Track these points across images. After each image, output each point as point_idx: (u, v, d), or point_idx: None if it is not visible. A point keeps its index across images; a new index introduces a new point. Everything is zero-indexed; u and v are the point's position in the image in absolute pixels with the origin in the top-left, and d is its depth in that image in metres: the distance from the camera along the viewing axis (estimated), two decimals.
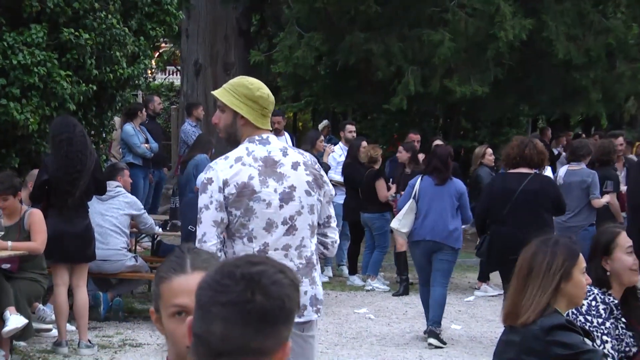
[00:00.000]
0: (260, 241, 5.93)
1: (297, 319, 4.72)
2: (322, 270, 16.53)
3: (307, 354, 6.05)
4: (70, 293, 11.08)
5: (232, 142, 6.08)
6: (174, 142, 21.32)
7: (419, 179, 12.35)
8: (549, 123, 29.32)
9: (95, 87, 13.98)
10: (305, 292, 5.94)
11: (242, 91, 5.96)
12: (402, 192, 13.43)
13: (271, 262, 2.67)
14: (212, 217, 5.90)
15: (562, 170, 14.48)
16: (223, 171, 5.91)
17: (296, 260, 5.96)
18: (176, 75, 31.92)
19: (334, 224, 6.32)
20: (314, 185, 6.07)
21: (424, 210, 12.04)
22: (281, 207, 5.94)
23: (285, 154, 6.03)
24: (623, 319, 5.76)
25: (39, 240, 10.48)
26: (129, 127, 17.32)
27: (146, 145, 17.49)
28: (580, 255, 5.19)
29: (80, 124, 11.78)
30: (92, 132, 14.71)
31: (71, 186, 10.72)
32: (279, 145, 6.08)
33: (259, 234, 5.93)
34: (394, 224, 12.40)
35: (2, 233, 10.50)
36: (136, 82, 15.89)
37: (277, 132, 15.61)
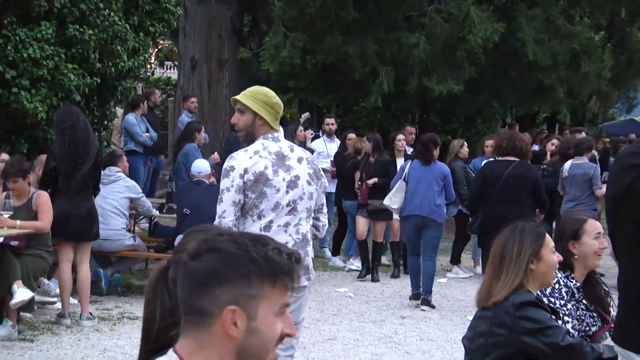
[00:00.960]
0: (267, 219, 6.66)
1: (301, 284, 6.43)
2: (319, 253, 16.68)
3: (299, 311, 6.71)
4: (74, 269, 11.08)
5: (249, 139, 6.83)
6: (170, 132, 21.34)
7: (409, 162, 13.29)
8: (516, 119, 29.33)
9: (98, 80, 14.02)
10: (305, 256, 6.73)
11: (261, 98, 6.73)
12: (367, 182, 14.13)
13: (234, 237, 2.73)
14: (232, 198, 6.62)
15: (567, 164, 15.16)
16: (244, 161, 6.65)
17: (294, 235, 6.70)
18: (173, 70, 31.90)
19: (325, 210, 7.08)
20: (314, 176, 6.85)
21: (412, 189, 12.91)
22: (287, 192, 6.68)
23: (292, 150, 6.84)
24: (584, 301, 5.78)
25: (45, 220, 10.51)
26: (131, 117, 17.36)
27: (147, 134, 17.51)
28: (547, 236, 5.22)
29: (84, 113, 11.80)
30: (95, 121, 14.73)
31: (75, 171, 10.72)
32: (287, 143, 6.91)
33: (267, 213, 6.66)
34: (386, 201, 13.27)
35: (12, 213, 10.49)
36: (136, 74, 15.92)
37: None
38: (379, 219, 14.44)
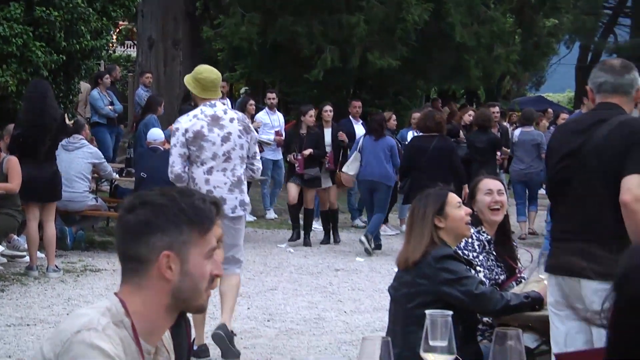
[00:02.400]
0: (209, 165, 7.76)
1: (230, 214, 7.69)
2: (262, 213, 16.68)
3: (237, 236, 7.90)
4: (41, 227, 10.99)
5: (195, 106, 8.10)
6: (130, 104, 21.12)
7: (362, 137, 14.38)
8: (438, 95, 29.45)
9: (64, 57, 13.85)
10: (236, 198, 7.82)
11: (193, 75, 7.88)
12: (303, 152, 13.94)
13: (179, 190, 2.78)
14: (178, 152, 7.76)
15: (517, 132, 16.42)
16: (185, 123, 7.80)
17: (230, 177, 7.80)
18: (132, 48, 31.57)
19: (258, 157, 8.12)
20: (244, 132, 7.89)
21: (366, 159, 13.93)
22: (222, 145, 7.78)
23: (225, 112, 7.88)
24: (494, 253, 5.82)
25: (15, 182, 10.46)
26: (94, 93, 17.31)
27: (110, 107, 17.42)
28: (450, 194, 5.24)
29: (51, 87, 11.69)
30: (61, 95, 14.56)
31: (41, 138, 10.66)
32: (222, 107, 7.91)
33: (208, 161, 7.76)
34: (344, 168, 14.30)
35: None
36: (99, 53, 15.83)
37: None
38: (309, 186, 14.11)
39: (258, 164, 8.12)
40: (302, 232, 14.26)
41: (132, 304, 2.69)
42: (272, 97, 17.26)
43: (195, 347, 7.64)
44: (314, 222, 15.07)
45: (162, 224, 2.67)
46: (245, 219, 8.10)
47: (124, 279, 2.73)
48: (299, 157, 13.98)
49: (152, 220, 2.68)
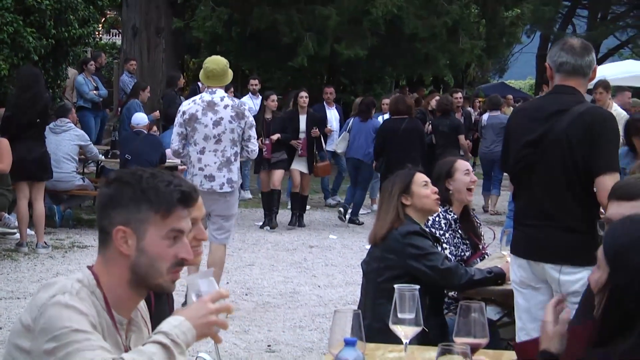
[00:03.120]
0: (201, 146, 8.34)
1: (220, 190, 8.27)
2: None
3: (229, 208, 8.47)
4: (31, 205, 10.94)
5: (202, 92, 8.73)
6: (115, 89, 20.98)
7: (352, 119, 15.01)
8: (407, 82, 29.43)
9: (53, 42, 13.82)
10: (224, 176, 8.31)
11: (202, 65, 8.51)
12: (271, 137, 13.51)
13: (151, 171, 2.79)
14: (176, 131, 8.48)
15: (485, 116, 16.67)
16: (185, 106, 8.51)
17: (220, 158, 8.31)
18: (118, 36, 31.33)
19: (252, 140, 8.47)
20: (235, 117, 8.34)
21: (352, 139, 14.58)
22: (213, 128, 8.31)
23: (222, 99, 8.38)
24: (460, 231, 5.84)
25: (5, 163, 10.39)
26: (79, 78, 17.24)
27: (95, 92, 17.34)
28: (417, 173, 5.25)
29: (41, 72, 11.65)
30: (49, 80, 14.50)
31: (31, 120, 10.60)
32: (221, 95, 8.40)
33: (200, 142, 8.35)
34: (333, 147, 15.21)
35: None
36: (86, 41, 15.78)
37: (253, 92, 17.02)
38: (275, 168, 13.67)
39: (252, 147, 8.48)
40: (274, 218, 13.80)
41: (102, 276, 2.71)
42: (254, 83, 17.29)
43: None
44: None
45: (122, 200, 2.70)
46: (236, 194, 8.55)
47: (98, 250, 2.78)
48: (267, 142, 13.52)
49: (115, 195, 2.72)
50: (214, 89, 8.37)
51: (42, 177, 10.92)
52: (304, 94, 14.37)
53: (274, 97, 14.27)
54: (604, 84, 12.84)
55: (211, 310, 2.65)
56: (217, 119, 8.29)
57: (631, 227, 2.54)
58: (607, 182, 4.42)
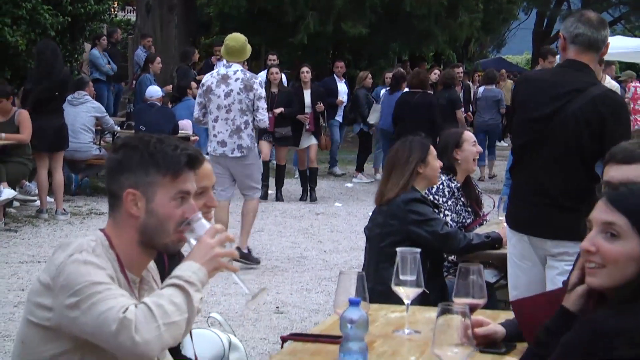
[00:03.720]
0: (215, 115, 8.83)
1: (232, 155, 8.73)
2: None
3: (246, 169, 8.90)
4: (50, 174, 10.97)
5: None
6: (130, 63, 20.94)
7: (382, 90, 15.68)
8: (409, 57, 29.31)
9: (69, 19, 13.76)
10: (234, 142, 8.73)
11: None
12: (274, 111, 12.79)
13: (157, 137, 2.78)
14: (197, 101, 9.07)
15: (481, 89, 17.17)
16: (204, 79, 9.13)
17: (231, 125, 8.76)
18: (132, 13, 31.23)
19: (260, 110, 8.84)
20: (244, 90, 8.75)
21: (383, 110, 14.63)
22: (224, 99, 8.77)
23: (235, 73, 8.80)
24: (462, 199, 5.84)
25: (26, 133, 10.47)
26: (95, 52, 17.23)
27: (108, 65, 17.34)
28: (431, 146, 5.24)
29: (58, 46, 11.63)
30: (67, 54, 14.49)
31: (50, 92, 10.63)
32: (235, 69, 8.83)
33: (214, 111, 8.84)
34: (368, 118, 15.26)
35: None
36: (102, 17, 15.75)
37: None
38: (280, 145, 13.33)
39: (260, 116, 8.87)
40: (269, 191, 13.35)
41: (114, 238, 2.72)
42: (273, 58, 17.05)
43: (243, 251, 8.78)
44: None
45: (131, 165, 2.69)
46: (250, 158, 8.91)
47: (109, 214, 2.78)
48: (270, 115, 12.59)
49: (124, 160, 2.71)
50: (230, 64, 8.86)
51: (60, 148, 10.95)
52: (305, 69, 14.09)
53: (275, 69, 13.70)
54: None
55: (212, 244, 2.67)
56: (227, 91, 8.74)
57: None
58: None
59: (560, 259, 4.51)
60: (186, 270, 2.62)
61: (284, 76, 16.17)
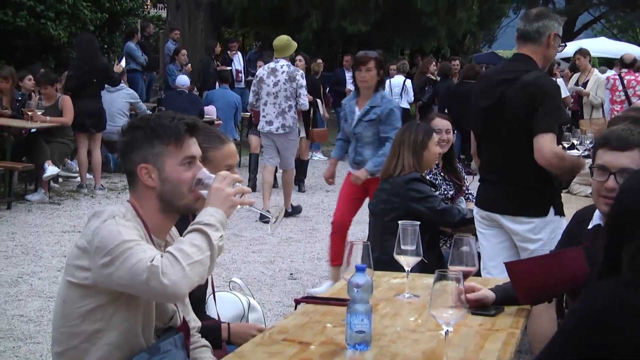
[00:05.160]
0: (264, 100, 9.71)
1: (276, 132, 9.71)
2: None
3: (285, 144, 9.87)
4: (89, 153, 10.99)
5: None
6: (161, 55, 20.92)
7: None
8: (411, 51, 29.18)
9: (107, 15, 13.76)
10: (279, 122, 9.68)
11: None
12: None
13: (157, 114, 2.82)
14: (252, 89, 9.90)
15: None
16: (258, 72, 9.95)
17: (277, 109, 9.65)
18: (163, 10, 31.17)
19: (303, 96, 9.71)
20: (288, 80, 9.64)
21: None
22: (273, 87, 9.64)
23: (281, 67, 9.68)
24: (442, 173, 5.80)
25: (68, 117, 10.49)
26: (132, 45, 17.12)
27: (142, 57, 17.37)
28: (434, 133, 5.23)
29: (96, 39, 11.67)
30: (105, 47, 14.51)
31: (89, 79, 10.69)
32: (282, 63, 9.69)
33: (264, 97, 9.71)
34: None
35: (43, 111, 10.44)
36: (136, 13, 15.74)
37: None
38: None
39: (302, 101, 9.76)
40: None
41: (138, 209, 2.74)
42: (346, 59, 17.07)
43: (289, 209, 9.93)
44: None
45: (137, 142, 2.71)
46: (291, 136, 9.87)
47: (129, 190, 2.80)
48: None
49: (130, 140, 2.72)
50: (278, 59, 9.75)
51: (98, 129, 10.98)
52: (298, 57, 13.23)
53: (260, 62, 12.86)
54: (582, 51, 12.84)
55: (221, 187, 2.68)
56: (275, 81, 9.66)
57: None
58: (540, 142, 4.31)
59: (525, 238, 4.50)
60: (203, 215, 2.63)
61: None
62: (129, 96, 12.58)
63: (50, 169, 10.03)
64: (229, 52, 17.98)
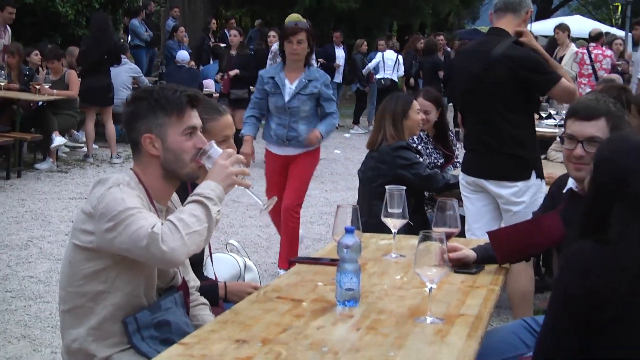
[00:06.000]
0: None
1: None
2: None
3: None
4: (100, 125, 11.12)
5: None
6: (162, 32, 20.76)
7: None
8: (398, 28, 29.05)
9: None
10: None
11: None
12: (229, 72, 11.20)
13: (159, 86, 2.83)
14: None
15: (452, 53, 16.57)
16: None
17: None
18: None
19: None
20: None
21: None
22: None
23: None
24: (433, 143, 5.79)
25: (74, 90, 10.47)
26: (135, 22, 17.03)
27: (146, 33, 17.25)
28: (414, 101, 5.21)
29: (109, 18, 11.74)
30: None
31: (99, 57, 10.63)
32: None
33: None
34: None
35: (50, 85, 10.39)
36: None
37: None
38: (235, 107, 10.69)
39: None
40: None
41: (141, 176, 2.72)
42: (272, 34, 16.91)
43: None
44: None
45: (142, 113, 2.69)
46: None
47: (133, 158, 2.78)
48: (225, 77, 11.32)
49: (135, 111, 2.70)
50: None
51: (106, 103, 10.91)
52: (271, 32, 12.94)
53: (235, 32, 11.87)
54: (561, 26, 12.91)
55: (226, 165, 2.66)
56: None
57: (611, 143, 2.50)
58: (562, 88, 4.37)
59: (508, 201, 4.52)
60: (204, 188, 2.61)
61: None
62: (131, 70, 12.50)
63: (58, 139, 10.02)
64: (226, 29, 17.89)
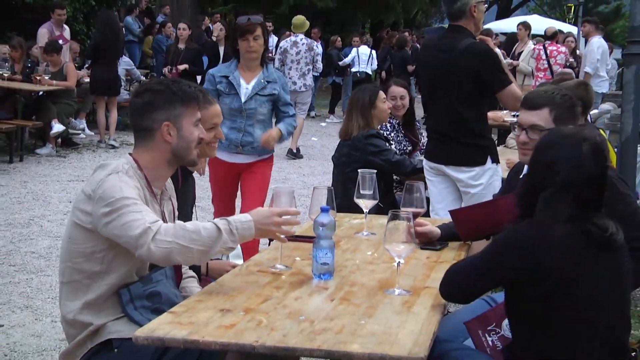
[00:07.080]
0: (289, 65, 11.35)
1: (299, 90, 11.17)
2: None
3: (303, 98, 11.40)
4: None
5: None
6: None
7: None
8: (371, 25, 28.97)
9: None
10: (301, 82, 11.30)
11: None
12: (177, 67, 10.47)
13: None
14: (277, 57, 11.53)
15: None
16: (281, 43, 11.62)
17: (299, 71, 11.27)
18: None
19: (318, 62, 11.73)
20: (308, 50, 11.45)
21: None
22: (295, 55, 11.37)
23: (301, 39, 11.42)
24: (403, 131, 5.79)
25: (72, 81, 10.44)
26: (129, 19, 16.85)
27: (139, 29, 17.13)
28: (380, 91, 5.21)
29: (115, 16, 11.76)
30: None
31: (107, 51, 10.54)
32: (301, 37, 11.46)
33: (289, 63, 11.40)
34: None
35: (50, 76, 10.30)
36: None
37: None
38: None
39: (318, 65, 11.77)
40: None
41: (142, 161, 2.71)
42: (268, 24, 16.88)
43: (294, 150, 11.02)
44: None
45: (161, 104, 2.69)
46: (308, 93, 11.57)
47: (137, 143, 2.76)
48: (173, 71, 10.47)
49: (153, 101, 2.70)
50: (297, 34, 11.47)
51: (112, 93, 10.86)
52: (218, 25, 12.47)
53: (184, 25, 11.02)
54: (524, 24, 13.06)
55: (275, 222, 2.59)
56: (297, 51, 11.40)
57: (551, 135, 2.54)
58: (510, 93, 4.36)
59: (467, 184, 4.55)
60: (241, 222, 2.55)
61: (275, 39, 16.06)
62: (125, 64, 12.49)
63: (57, 127, 9.95)
64: (212, 26, 17.76)
